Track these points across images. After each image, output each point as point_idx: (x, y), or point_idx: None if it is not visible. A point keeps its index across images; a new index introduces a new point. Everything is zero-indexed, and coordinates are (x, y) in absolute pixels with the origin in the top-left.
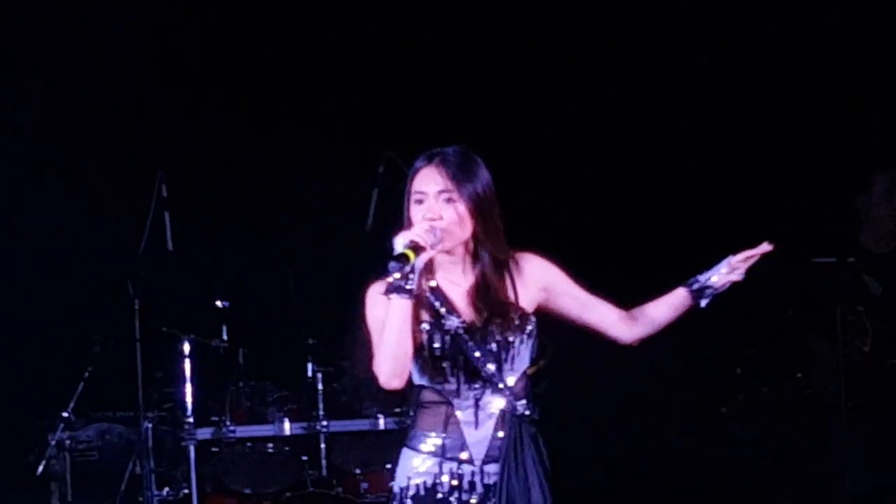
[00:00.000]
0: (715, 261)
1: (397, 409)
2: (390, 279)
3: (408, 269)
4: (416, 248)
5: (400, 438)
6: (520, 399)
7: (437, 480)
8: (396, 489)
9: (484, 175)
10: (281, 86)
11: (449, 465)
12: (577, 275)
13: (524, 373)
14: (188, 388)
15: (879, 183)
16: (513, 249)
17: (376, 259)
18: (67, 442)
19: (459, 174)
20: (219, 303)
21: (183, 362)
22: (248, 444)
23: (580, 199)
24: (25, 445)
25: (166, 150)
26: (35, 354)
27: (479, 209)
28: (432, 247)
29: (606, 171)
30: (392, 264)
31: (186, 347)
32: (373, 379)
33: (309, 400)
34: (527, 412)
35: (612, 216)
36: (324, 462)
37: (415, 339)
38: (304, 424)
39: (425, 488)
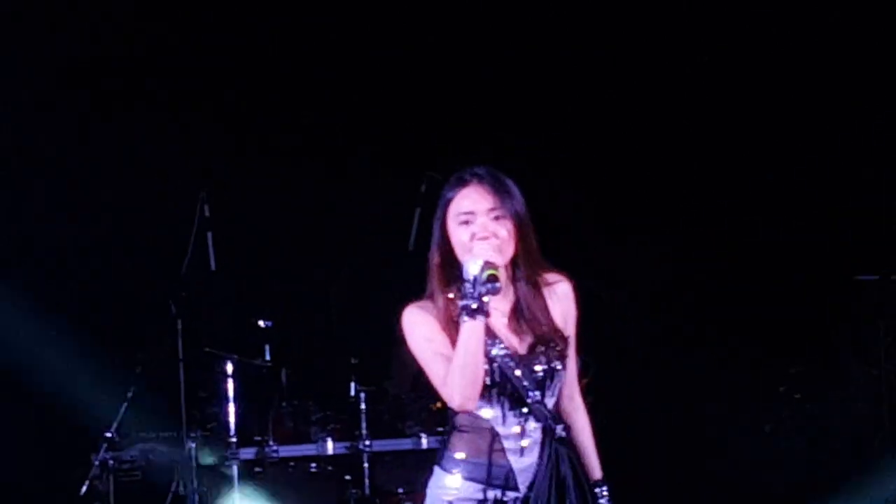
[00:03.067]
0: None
1: (440, 429)
2: (469, 302)
3: (496, 286)
4: (494, 267)
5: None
6: (558, 423)
7: None
8: None
9: (518, 192)
10: (324, 106)
11: (493, 493)
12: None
13: (558, 395)
14: (231, 408)
15: None
16: (550, 267)
17: (419, 278)
18: (111, 462)
19: (502, 192)
20: (261, 323)
21: (226, 382)
22: (292, 463)
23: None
24: (69, 466)
25: (209, 171)
26: (79, 375)
27: (521, 227)
28: (503, 265)
29: (647, 189)
30: (488, 285)
31: (229, 367)
32: (414, 398)
33: (352, 419)
34: (563, 434)
35: (657, 232)
36: (367, 481)
37: None
38: (348, 444)
39: None
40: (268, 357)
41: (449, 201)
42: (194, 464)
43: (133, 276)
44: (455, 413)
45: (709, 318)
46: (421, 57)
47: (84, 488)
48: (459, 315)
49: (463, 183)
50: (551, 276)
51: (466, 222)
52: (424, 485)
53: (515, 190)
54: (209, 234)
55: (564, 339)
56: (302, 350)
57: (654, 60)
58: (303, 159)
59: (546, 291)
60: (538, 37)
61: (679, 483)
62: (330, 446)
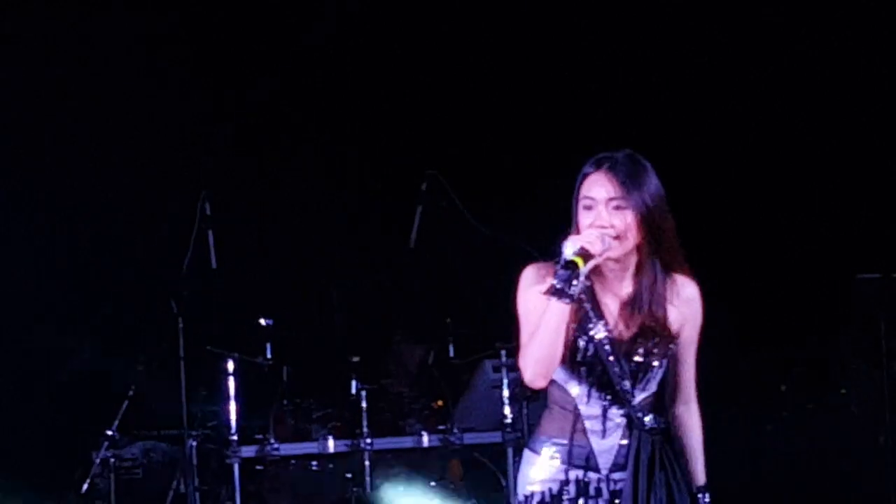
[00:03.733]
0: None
1: (441, 427)
2: (555, 282)
3: (576, 275)
4: (586, 256)
5: (443, 455)
6: (646, 414)
7: (564, 487)
8: (521, 497)
9: (654, 183)
10: (324, 104)
11: (575, 473)
12: None
13: (655, 391)
14: (232, 406)
15: None
16: (686, 268)
17: (420, 276)
18: (112, 460)
19: (629, 181)
20: (262, 321)
21: (227, 380)
22: (293, 461)
23: None
24: (70, 464)
25: (210, 169)
26: (79, 373)
27: (647, 219)
28: (601, 255)
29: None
30: (561, 271)
31: (230, 365)
32: (415, 396)
33: (353, 417)
34: (654, 425)
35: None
36: (368, 479)
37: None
38: (348, 442)
39: (551, 494)
40: (269, 355)
41: (580, 183)
42: (195, 462)
43: (134, 274)
44: (550, 386)
45: (708, 318)
46: (422, 54)
47: (85, 486)
48: (546, 293)
49: (594, 167)
50: (680, 277)
51: (589, 207)
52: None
53: (651, 179)
54: (210, 233)
55: (671, 338)
56: (303, 348)
57: (653, 60)
58: (304, 156)
59: (671, 289)
60: (535, 35)
61: None
62: (331, 444)
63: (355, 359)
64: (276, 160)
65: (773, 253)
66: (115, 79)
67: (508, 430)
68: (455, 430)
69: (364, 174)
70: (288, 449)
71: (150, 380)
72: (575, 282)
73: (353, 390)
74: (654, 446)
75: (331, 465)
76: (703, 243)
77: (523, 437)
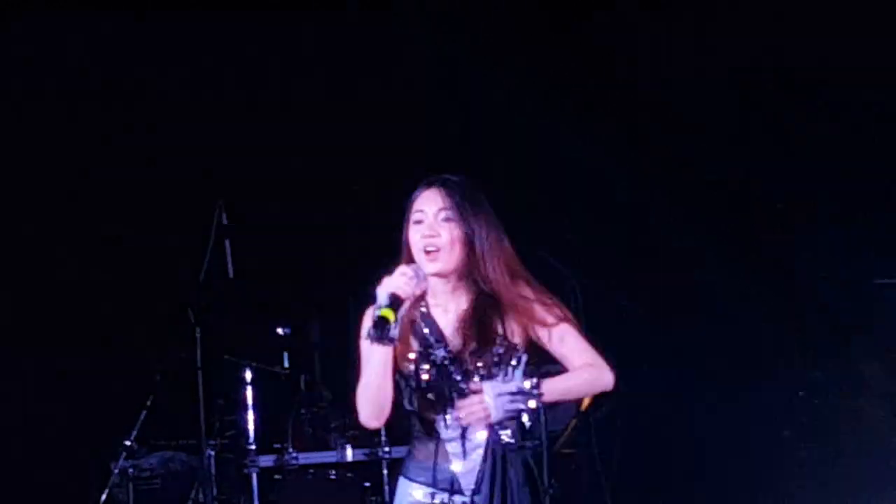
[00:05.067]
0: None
1: None
2: (371, 332)
3: (389, 328)
4: (397, 303)
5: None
6: (504, 429)
7: None
8: None
9: (483, 202)
10: (341, 111)
11: (440, 497)
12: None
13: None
14: (250, 416)
15: None
16: (529, 282)
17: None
18: (130, 470)
19: (458, 197)
20: (280, 330)
21: (245, 389)
22: (311, 470)
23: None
24: (89, 474)
25: (226, 178)
26: (97, 383)
27: (474, 233)
28: (417, 285)
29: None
30: (372, 331)
31: (248, 375)
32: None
33: None
34: (511, 440)
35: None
36: (386, 488)
37: (403, 368)
38: (367, 451)
39: None
40: (286, 364)
41: (412, 201)
42: (213, 471)
43: (152, 283)
44: (409, 417)
45: (726, 324)
46: (427, 60)
47: (104, 497)
48: (367, 338)
49: (426, 185)
50: (527, 292)
51: (419, 221)
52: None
53: (480, 198)
54: (227, 242)
55: (513, 347)
56: (320, 356)
57: (652, 60)
58: (320, 165)
59: (509, 301)
60: (533, 35)
61: (697, 488)
62: (349, 453)
63: None
64: (293, 169)
65: (791, 258)
66: (131, 84)
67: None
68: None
69: (383, 180)
70: (306, 458)
71: (168, 390)
72: (391, 329)
73: None
74: (514, 464)
75: (349, 475)
76: (718, 249)
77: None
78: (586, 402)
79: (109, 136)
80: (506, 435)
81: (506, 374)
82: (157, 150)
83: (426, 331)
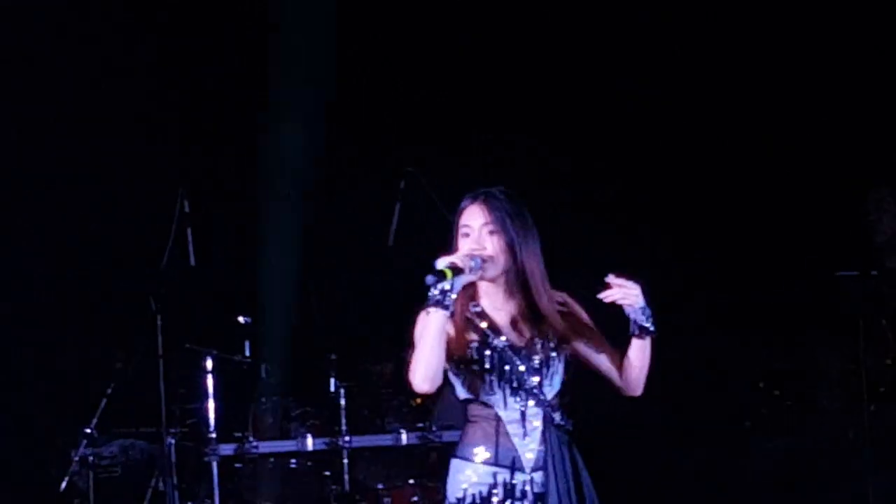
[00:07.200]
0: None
1: (420, 425)
2: (430, 293)
3: (444, 284)
4: (454, 269)
5: (424, 453)
6: (556, 410)
7: (492, 490)
8: (452, 499)
9: (525, 214)
10: (303, 103)
11: (502, 475)
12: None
13: (560, 389)
14: (211, 404)
15: (871, 200)
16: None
17: (398, 273)
18: (90, 458)
19: (502, 211)
20: (241, 318)
21: (205, 378)
22: (271, 459)
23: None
24: (48, 461)
25: (188, 166)
26: (57, 370)
27: (517, 244)
28: (471, 271)
29: (631, 185)
30: (429, 277)
31: (209, 363)
32: (394, 394)
33: (331, 415)
34: (562, 422)
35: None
36: (346, 477)
37: (463, 355)
38: (327, 440)
39: (480, 497)
40: (247, 353)
41: (459, 215)
42: (173, 460)
43: (112, 271)
44: (466, 406)
45: (688, 314)
46: (405, 52)
47: (63, 484)
48: (424, 306)
49: (472, 200)
50: (557, 294)
51: (467, 234)
52: (444, 478)
53: (523, 210)
54: (189, 230)
55: (561, 338)
56: (281, 346)
57: (651, 59)
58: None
59: (546, 299)
60: (530, 32)
61: (659, 476)
62: (310, 442)
63: (333, 356)
64: (255, 156)
65: (752, 251)
66: (92, 74)
67: None
68: (434, 428)
69: (342, 171)
70: (266, 447)
71: (129, 377)
72: (449, 293)
73: (332, 388)
74: (563, 445)
75: (309, 463)
76: (682, 242)
77: None
78: None
79: (70, 122)
80: (557, 416)
81: (559, 361)
82: (118, 136)
83: (483, 325)
